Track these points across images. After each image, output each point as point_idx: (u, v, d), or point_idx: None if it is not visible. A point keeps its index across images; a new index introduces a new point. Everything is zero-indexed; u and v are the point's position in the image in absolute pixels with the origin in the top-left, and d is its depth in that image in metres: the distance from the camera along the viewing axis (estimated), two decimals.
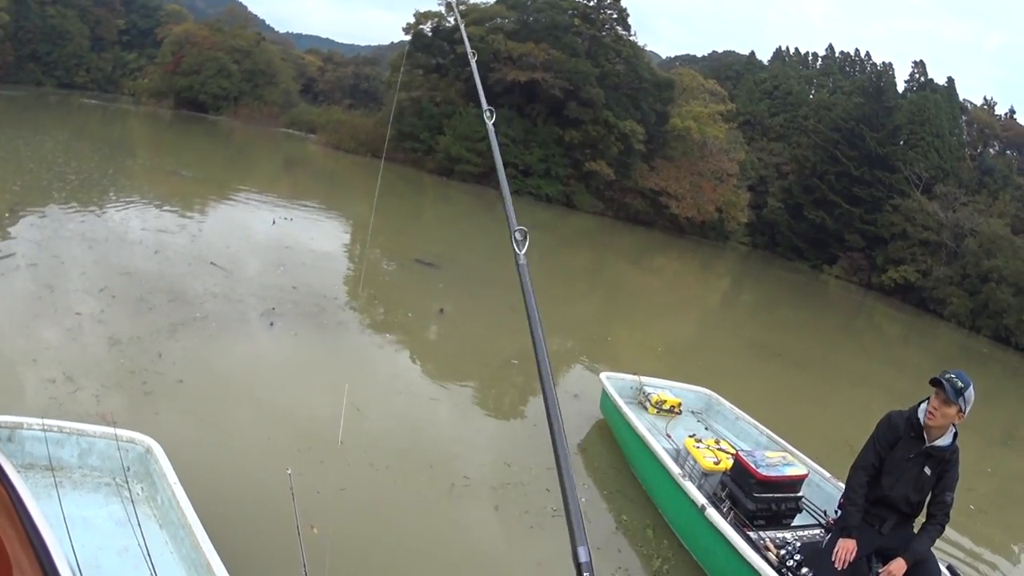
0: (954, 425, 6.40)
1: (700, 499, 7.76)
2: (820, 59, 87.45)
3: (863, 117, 61.20)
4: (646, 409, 11.22)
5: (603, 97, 53.91)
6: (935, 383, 6.26)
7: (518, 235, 3.07)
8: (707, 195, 56.62)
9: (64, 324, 10.42)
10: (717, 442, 9.36)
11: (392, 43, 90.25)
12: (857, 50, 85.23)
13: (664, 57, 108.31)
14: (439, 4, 59.39)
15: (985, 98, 76.68)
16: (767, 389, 17.66)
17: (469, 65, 5.02)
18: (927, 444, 6.42)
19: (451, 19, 57.02)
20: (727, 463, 8.57)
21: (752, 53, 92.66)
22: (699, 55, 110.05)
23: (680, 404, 11.38)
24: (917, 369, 29.10)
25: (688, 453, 8.97)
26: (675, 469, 8.42)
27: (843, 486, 8.40)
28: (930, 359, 33.60)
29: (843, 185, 59.90)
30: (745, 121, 74.32)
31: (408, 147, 53.87)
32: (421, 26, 59.16)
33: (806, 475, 8.29)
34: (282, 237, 20.02)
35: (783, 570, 6.78)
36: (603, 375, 11.25)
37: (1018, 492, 14.90)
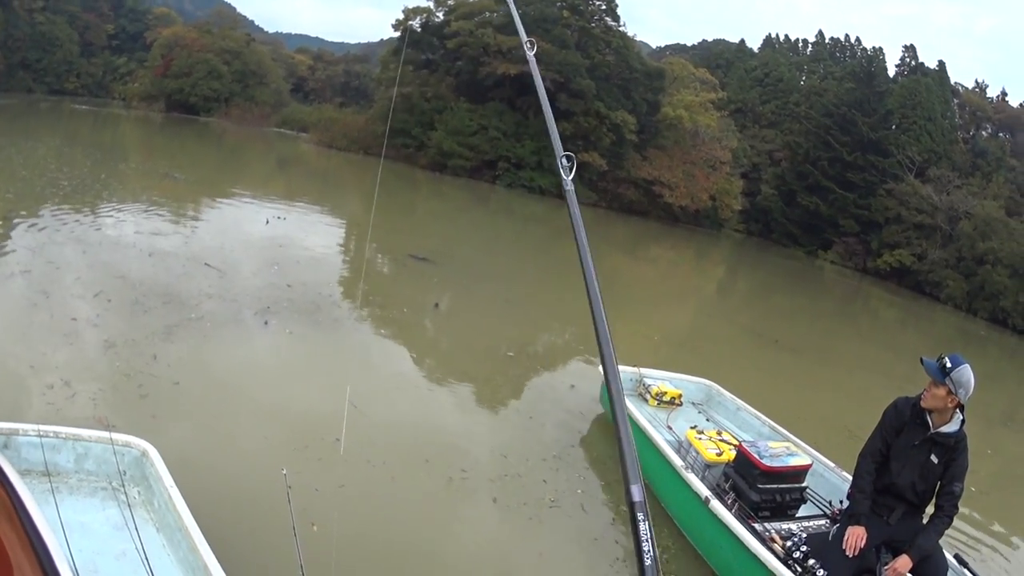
0: (961, 412, 6.32)
1: (704, 491, 7.69)
2: (810, 45, 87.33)
3: (854, 102, 61.16)
4: (646, 401, 11.14)
5: (594, 88, 53.85)
6: (927, 365, 6.26)
7: (564, 161, 3.31)
8: (700, 183, 56.64)
9: (60, 329, 10.38)
10: (719, 433, 9.33)
11: (382, 40, 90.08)
12: (847, 36, 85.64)
13: (654, 47, 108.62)
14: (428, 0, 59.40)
15: (976, 81, 76.57)
16: (765, 376, 17.64)
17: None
18: (932, 431, 6.35)
19: (440, 14, 57.02)
20: (730, 454, 8.51)
21: (742, 41, 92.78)
22: (689, 44, 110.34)
23: (681, 395, 11.28)
24: (915, 353, 28.70)
25: (690, 445, 8.92)
26: (677, 461, 8.35)
27: (847, 476, 8.42)
28: (927, 342, 33.56)
29: (836, 170, 59.87)
30: (736, 109, 74.25)
31: (400, 143, 53.77)
32: (410, 22, 59.05)
33: (810, 465, 8.20)
34: (276, 236, 20.01)
35: (789, 562, 6.68)
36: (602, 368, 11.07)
37: (1019, 473, 14.94)
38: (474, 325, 16.36)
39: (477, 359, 13.90)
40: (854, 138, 59.59)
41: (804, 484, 8.13)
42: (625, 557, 7.86)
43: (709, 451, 8.65)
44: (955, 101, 69.24)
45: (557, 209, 47.39)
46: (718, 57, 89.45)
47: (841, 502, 7.77)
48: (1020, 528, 11.57)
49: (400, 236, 23.75)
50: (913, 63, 71.68)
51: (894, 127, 61.90)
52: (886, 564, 6.40)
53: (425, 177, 48.86)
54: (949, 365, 6.11)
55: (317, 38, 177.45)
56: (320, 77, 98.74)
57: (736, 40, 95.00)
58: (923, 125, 60.78)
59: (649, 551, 2.14)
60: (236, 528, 6.45)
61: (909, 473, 6.47)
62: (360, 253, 22.34)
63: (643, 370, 11.73)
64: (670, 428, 10.04)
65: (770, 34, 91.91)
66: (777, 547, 6.90)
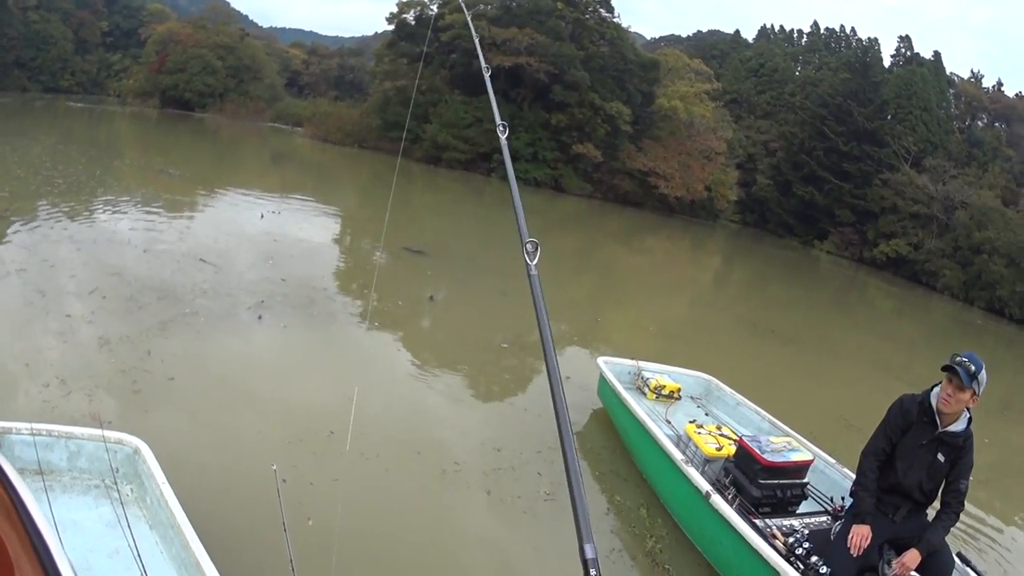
0: (968, 410, 6.27)
1: (704, 486, 7.60)
2: (805, 36, 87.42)
3: (850, 92, 61.15)
4: (644, 395, 11.06)
5: (588, 80, 53.80)
6: (948, 369, 6.10)
7: (529, 247, 3.09)
8: (696, 174, 56.62)
9: (55, 327, 10.35)
10: (719, 428, 9.25)
11: (376, 33, 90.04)
12: (842, 26, 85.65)
13: (648, 38, 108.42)
14: None
15: (972, 71, 76.92)
16: (761, 366, 17.68)
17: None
18: (940, 430, 6.29)
19: (434, 7, 56.90)
20: (729, 449, 8.44)
21: (737, 32, 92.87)
22: (684, 35, 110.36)
23: (679, 389, 11.21)
24: (911, 343, 29.36)
25: (689, 439, 8.84)
26: (677, 455, 8.25)
27: (848, 473, 8.43)
28: (924, 332, 33.72)
29: (832, 160, 59.87)
30: (732, 100, 74.34)
31: (395, 136, 53.23)
32: (404, 15, 58.98)
33: (811, 461, 8.13)
34: (270, 230, 19.95)
35: (792, 558, 6.61)
36: (600, 360, 11.12)
37: (1017, 462, 14.89)
38: (469, 317, 16.37)
39: (471, 351, 13.91)
40: (849, 128, 59.58)
41: (805, 480, 8.05)
42: (620, 549, 7.84)
43: (709, 445, 8.56)
44: (951, 91, 69.23)
45: (552, 201, 47.54)
46: (713, 48, 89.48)
47: (843, 499, 7.72)
48: (1018, 517, 11.57)
49: (395, 229, 23.56)
50: (908, 53, 71.71)
51: (889, 117, 61.83)
52: (889, 561, 6.36)
53: (420, 170, 48.79)
54: (974, 369, 6.00)
55: (311, 32, 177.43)
56: (314, 71, 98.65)
57: (731, 31, 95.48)
58: (919, 115, 60.73)
59: None
60: (229, 524, 6.43)
61: (916, 473, 6.40)
62: (356, 245, 22.59)
63: (641, 363, 11.63)
64: (669, 422, 9.97)
65: (765, 25, 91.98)
66: (779, 543, 6.82)
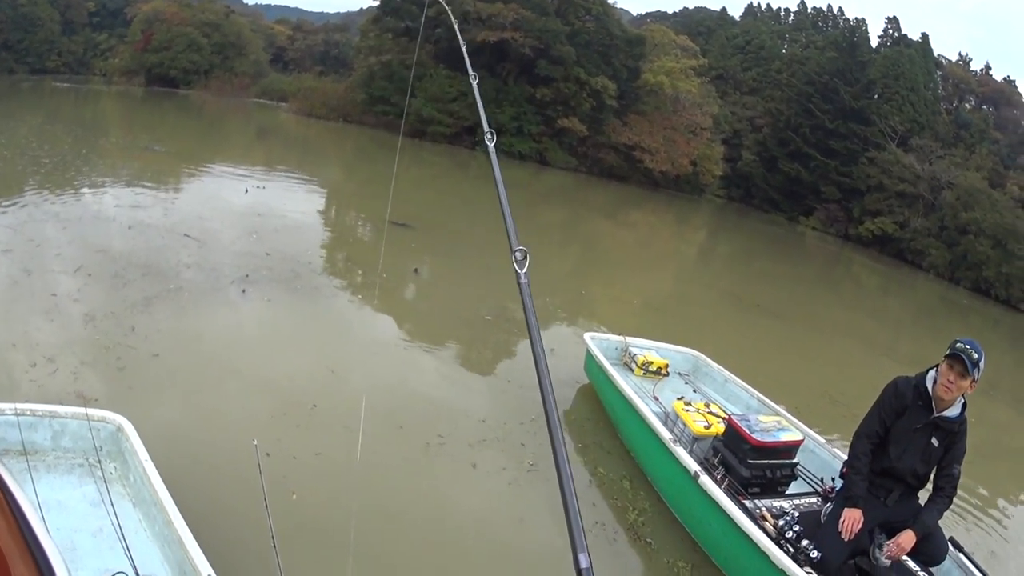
0: (963, 395, 6.17)
1: (693, 466, 7.46)
2: (792, 14, 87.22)
3: (836, 71, 61.06)
4: (632, 371, 10.91)
5: (574, 55, 53.45)
6: (951, 356, 5.99)
7: (519, 255, 3.07)
8: (681, 149, 56.45)
9: (42, 306, 10.30)
10: (707, 405, 9.16)
11: (361, 9, 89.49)
12: (829, 6, 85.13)
13: (635, 14, 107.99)
14: None
15: (960, 54, 76.40)
16: (746, 341, 17.73)
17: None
18: (935, 414, 6.19)
19: None
20: (718, 427, 8.32)
21: (723, 9, 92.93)
22: (670, 12, 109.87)
23: (667, 365, 11.05)
24: (897, 320, 29.56)
25: (677, 416, 8.74)
26: (665, 434, 8.12)
27: (838, 453, 8.41)
28: (910, 310, 33.88)
29: (818, 138, 59.80)
30: (718, 76, 74.15)
31: (380, 111, 53.40)
32: None
33: (801, 441, 7.98)
34: (255, 205, 19.87)
35: (782, 541, 6.47)
36: (587, 336, 11.01)
37: (1003, 442, 14.95)
38: (453, 290, 16.34)
39: (455, 324, 13.90)
40: (836, 106, 59.53)
41: (795, 460, 7.92)
42: (602, 522, 7.84)
43: (697, 424, 8.45)
44: (938, 73, 69.08)
45: (537, 174, 47.52)
46: (699, 24, 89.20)
47: (833, 480, 7.58)
48: (1005, 497, 11.63)
49: (379, 202, 23.51)
50: (896, 34, 71.44)
51: (876, 96, 61.71)
52: (880, 545, 6.25)
53: (405, 144, 48.49)
54: (976, 356, 5.91)
55: (296, 8, 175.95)
56: (299, 47, 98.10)
57: (717, 8, 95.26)
58: (905, 95, 60.60)
59: None
60: (213, 500, 6.42)
61: (910, 458, 6.32)
62: (341, 219, 22.67)
63: (629, 339, 11.50)
64: (656, 399, 9.84)
65: (752, 2, 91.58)
66: (768, 525, 6.68)
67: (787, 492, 7.81)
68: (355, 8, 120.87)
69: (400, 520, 7.15)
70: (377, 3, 60.49)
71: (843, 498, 6.46)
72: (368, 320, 13.21)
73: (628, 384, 9.48)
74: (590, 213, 39.24)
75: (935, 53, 68.75)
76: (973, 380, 5.97)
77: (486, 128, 4.24)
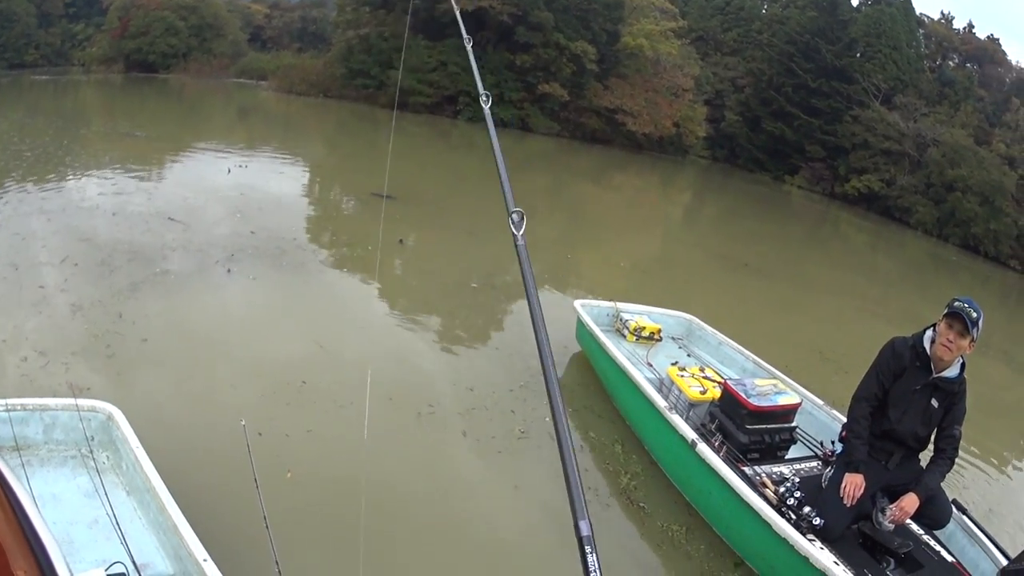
0: (962, 356, 6.09)
1: (690, 434, 7.32)
2: None
3: (817, 30, 60.72)
4: (624, 337, 10.80)
5: (552, 20, 52.95)
6: (950, 315, 5.91)
7: (515, 216, 3.13)
8: (663, 111, 56.16)
9: (30, 299, 10.21)
10: (702, 370, 9.00)
11: None
12: None
13: None
14: None
15: (942, 12, 76.33)
16: (735, 300, 17.77)
17: None
18: (934, 375, 6.11)
19: None
20: (714, 392, 8.20)
21: None
22: None
23: (660, 330, 10.92)
24: (886, 277, 29.62)
25: (672, 382, 8.60)
26: (661, 402, 7.96)
27: (837, 415, 8.34)
28: (899, 267, 33.86)
29: (801, 97, 59.53)
30: (698, 37, 73.72)
31: (359, 84, 53.04)
32: None
33: (799, 404, 7.84)
34: (238, 184, 19.71)
35: (783, 508, 6.36)
36: (577, 303, 10.88)
37: (996, 399, 14.87)
38: (438, 259, 16.33)
39: (442, 293, 13.91)
40: (818, 65, 59.24)
41: (794, 424, 7.80)
42: (596, 487, 7.89)
43: (692, 389, 8.32)
44: (920, 31, 68.76)
45: (520, 140, 47.32)
46: None
47: (832, 443, 7.41)
48: (1000, 454, 11.66)
49: (362, 175, 23.83)
50: None
51: (859, 55, 61.30)
52: (883, 509, 6.17)
53: (386, 116, 48.14)
54: (976, 316, 5.83)
55: None
56: (277, 25, 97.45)
57: None
58: (888, 54, 60.28)
59: None
60: (206, 483, 6.39)
61: (911, 420, 6.24)
62: (325, 194, 22.71)
63: (620, 304, 11.39)
64: (650, 365, 9.72)
65: None
66: (769, 493, 6.58)
67: (786, 457, 7.71)
68: None
69: (393, 490, 7.11)
70: None
71: (844, 463, 6.38)
72: (355, 293, 13.19)
73: (621, 351, 9.34)
74: (574, 177, 39.15)
75: (917, 12, 68.54)
76: (972, 340, 5.91)
77: (481, 91, 4.39)
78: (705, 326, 11.27)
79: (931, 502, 6.14)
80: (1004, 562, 6.25)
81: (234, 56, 76.34)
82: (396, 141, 36.28)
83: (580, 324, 10.60)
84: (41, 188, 16.88)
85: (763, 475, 6.86)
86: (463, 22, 5.58)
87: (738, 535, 6.94)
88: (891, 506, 6.08)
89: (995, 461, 11.16)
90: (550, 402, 2.40)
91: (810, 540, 6.01)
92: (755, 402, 7.43)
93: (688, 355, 10.73)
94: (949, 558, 6.32)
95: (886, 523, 6.11)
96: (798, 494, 6.38)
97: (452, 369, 10.27)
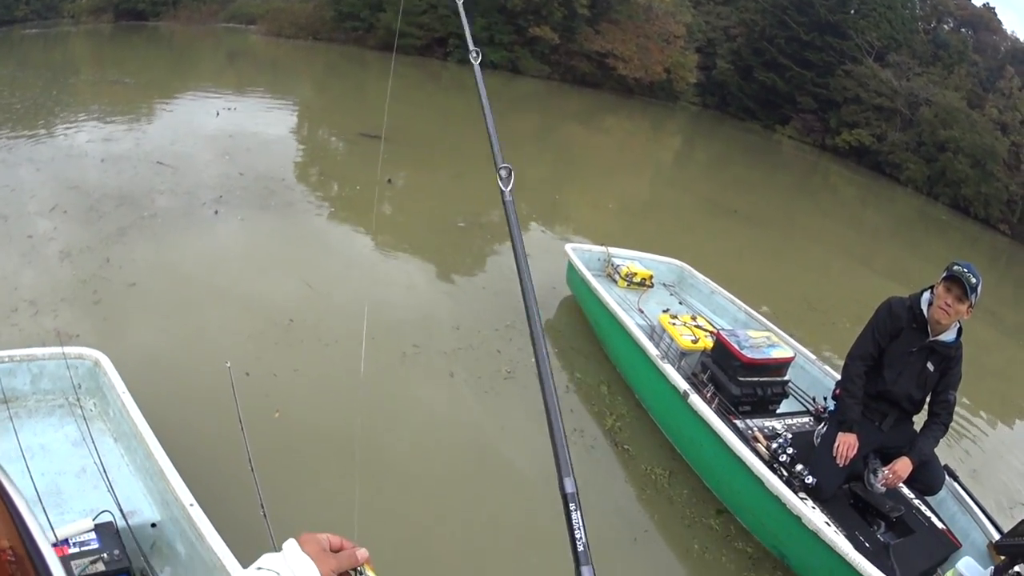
0: (959, 321, 6.02)
1: (682, 384, 7.17)
2: None
3: None
4: (615, 283, 10.65)
5: None
6: (949, 278, 5.80)
7: (503, 172, 3.08)
8: (654, 56, 55.73)
9: (19, 250, 10.12)
10: (693, 318, 8.87)
11: None
12: None
13: None
14: None
15: None
16: (723, 246, 17.79)
17: None
18: (931, 338, 6.03)
19: None
20: (706, 342, 8.10)
21: None
22: None
23: (651, 277, 10.76)
24: (876, 231, 29.67)
25: (664, 330, 8.50)
26: (652, 351, 7.80)
27: (829, 371, 8.31)
28: (889, 223, 33.90)
29: (793, 49, 59.23)
30: None
31: (349, 27, 52.81)
32: None
33: (792, 358, 7.74)
34: (227, 127, 19.60)
35: (775, 465, 6.28)
36: (568, 247, 10.71)
37: (983, 361, 14.89)
38: (426, 199, 16.28)
39: (429, 232, 13.89)
40: (811, 19, 58.89)
41: (786, 378, 7.71)
42: (581, 428, 7.90)
43: (684, 338, 8.21)
44: None
45: (509, 82, 47.09)
46: None
47: (825, 399, 7.35)
48: (985, 416, 11.66)
49: (351, 117, 23.86)
50: None
51: (852, 12, 60.87)
52: (875, 470, 6.17)
53: (375, 58, 47.94)
54: (975, 281, 5.72)
55: None
56: None
57: None
58: (883, 12, 59.90)
59: (581, 538, 1.96)
60: (194, 426, 6.36)
61: (906, 382, 6.17)
62: (313, 135, 22.74)
63: (612, 249, 11.21)
64: (641, 312, 9.57)
65: None
66: (762, 448, 6.49)
67: (778, 411, 7.63)
68: None
69: (380, 432, 7.10)
70: None
71: (837, 421, 6.29)
72: (342, 232, 13.20)
73: (612, 297, 9.23)
74: (564, 120, 39.02)
75: None
76: (970, 305, 5.84)
77: (472, 47, 4.19)
78: (697, 274, 11.12)
79: (924, 467, 6.09)
80: (995, 533, 6.20)
81: (223, 1, 75.85)
82: (385, 83, 36.12)
83: (571, 268, 10.46)
84: (30, 139, 16.72)
85: (755, 429, 6.76)
86: None
87: (727, 488, 6.86)
88: (884, 469, 6.05)
89: (980, 423, 11.20)
90: (538, 368, 2.33)
91: (802, 499, 5.93)
92: (748, 354, 7.34)
93: (680, 303, 10.59)
94: (940, 525, 6.26)
95: (878, 485, 6.08)
96: (790, 450, 6.30)
97: (438, 308, 10.24)
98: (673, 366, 7.59)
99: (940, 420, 6.15)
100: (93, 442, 5.08)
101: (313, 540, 1.66)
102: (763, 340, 7.71)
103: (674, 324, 8.47)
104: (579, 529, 2.00)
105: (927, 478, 6.19)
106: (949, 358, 6.07)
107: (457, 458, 7.17)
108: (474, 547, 6.16)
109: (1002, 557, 5.55)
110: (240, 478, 4.90)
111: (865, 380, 6.24)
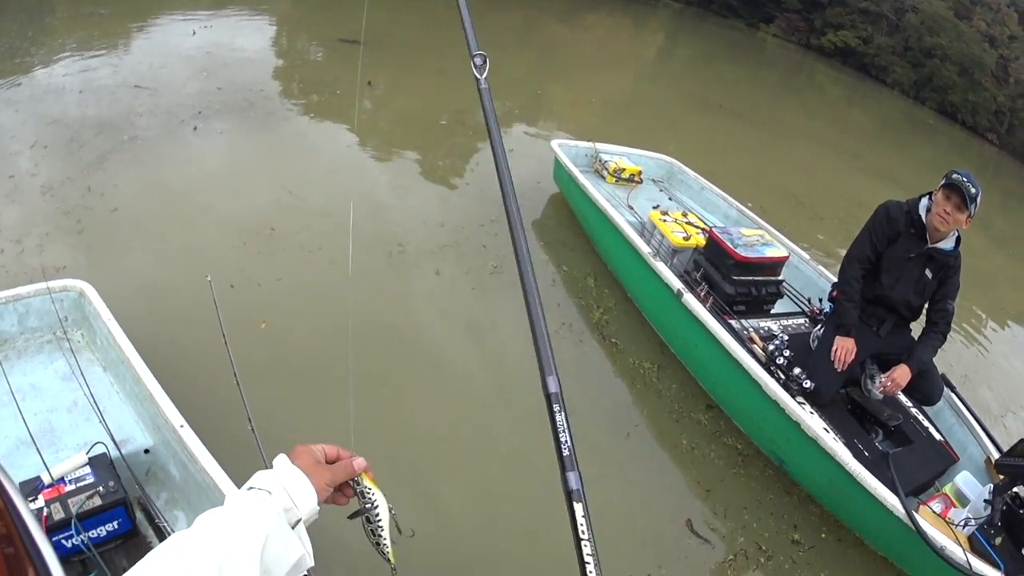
0: (957, 230, 5.94)
1: (676, 283, 7.02)
2: None
3: None
4: (603, 178, 10.41)
5: None
6: (948, 186, 5.70)
7: (478, 60, 3.02)
8: None
9: (2, 191, 9.88)
10: (684, 215, 8.67)
11: None
12: None
13: None
14: None
15: None
16: (710, 140, 17.74)
17: None
18: (929, 245, 5.95)
19: None
20: (697, 239, 7.95)
21: None
22: None
23: (640, 172, 10.49)
24: (862, 131, 29.56)
25: (654, 227, 8.33)
26: (644, 248, 7.63)
27: (824, 271, 8.24)
28: (875, 124, 33.71)
29: None
30: None
31: None
32: None
33: (787, 257, 7.57)
34: (204, 45, 19.24)
35: (772, 368, 6.15)
36: (555, 143, 10.42)
37: (973, 266, 14.65)
38: (406, 98, 16.17)
39: (410, 132, 13.72)
40: None
41: (781, 277, 7.55)
42: (569, 322, 7.95)
43: (675, 235, 8.05)
44: None
45: None
46: None
47: (820, 300, 7.30)
48: (975, 320, 11.94)
49: (329, 24, 23.41)
50: None
51: None
52: (872, 376, 6.12)
53: None
54: (974, 191, 5.61)
55: None
56: None
57: None
58: None
59: (567, 441, 2.05)
60: (181, 346, 6.28)
61: (904, 288, 6.11)
62: (292, 45, 22.16)
63: (599, 145, 10.93)
64: (631, 208, 9.39)
65: None
66: (758, 349, 6.36)
67: (772, 312, 7.51)
68: None
69: (371, 331, 7.13)
70: None
71: (834, 325, 6.22)
72: (322, 137, 13.01)
73: (600, 192, 9.03)
74: (545, 16, 38.30)
75: None
76: (969, 215, 5.75)
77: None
78: (687, 170, 10.90)
79: (923, 377, 6.06)
80: (991, 447, 6.16)
81: None
82: None
83: (557, 164, 10.23)
84: (7, 83, 16.15)
85: (750, 329, 6.65)
86: None
87: (723, 390, 6.79)
88: (882, 376, 6.00)
89: (968, 329, 11.29)
90: (518, 263, 2.53)
91: (800, 403, 5.84)
92: (742, 252, 7.19)
93: (669, 198, 10.38)
94: (937, 436, 6.24)
95: (875, 392, 6.05)
96: (788, 353, 6.20)
97: (422, 207, 10.12)
98: (665, 264, 7.43)
99: (938, 329, 6.12)
100: (83, 374, 5.01)
101: (306, 452, 1.62)
102: (756, 239, 7.54)
103: (665, 221, 8.30)
104: (564, 432, 2.07)
105: (926, 388, 6.16)
106: (947, 267, 6.04)
107: (450, 358, 7.09)
108: (473, 448, 6.12)
109: (1001, 476, 5.47)
110: (228, 395, 4.75)
111: (863, 284, 6.16)
